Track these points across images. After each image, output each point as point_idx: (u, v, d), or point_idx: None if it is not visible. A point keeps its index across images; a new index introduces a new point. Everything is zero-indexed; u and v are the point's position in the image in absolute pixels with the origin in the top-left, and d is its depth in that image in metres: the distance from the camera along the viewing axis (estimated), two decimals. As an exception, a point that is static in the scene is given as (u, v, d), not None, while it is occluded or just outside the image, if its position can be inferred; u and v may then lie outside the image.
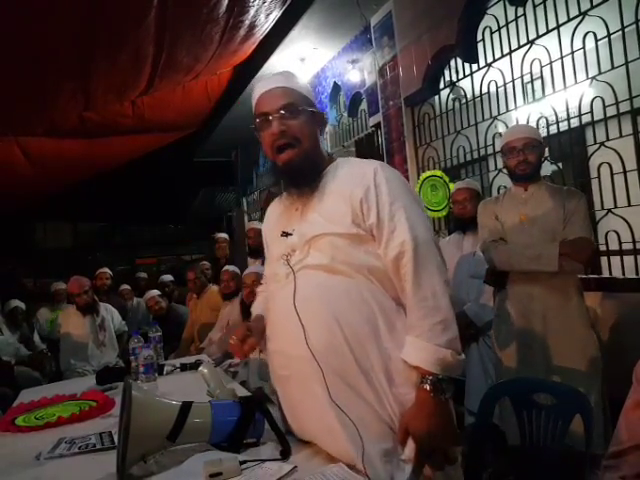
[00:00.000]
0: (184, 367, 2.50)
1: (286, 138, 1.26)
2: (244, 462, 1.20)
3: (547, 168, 3.28)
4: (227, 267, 3.94)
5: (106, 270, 5.50)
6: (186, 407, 1.27)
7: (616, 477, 0.84)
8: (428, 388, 1.13)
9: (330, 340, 1.18)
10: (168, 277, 5.91)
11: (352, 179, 1.27)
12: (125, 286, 6.11)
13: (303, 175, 1.29)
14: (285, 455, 1.24)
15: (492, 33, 3.30)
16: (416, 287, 1.17)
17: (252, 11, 3.56)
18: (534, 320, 2.31)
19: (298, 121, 1.27)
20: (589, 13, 2.71)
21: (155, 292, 4.96)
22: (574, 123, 2.94)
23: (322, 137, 1.37)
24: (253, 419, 1.32)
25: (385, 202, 1.22)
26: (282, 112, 1.26)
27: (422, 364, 1.14)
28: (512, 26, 3.17)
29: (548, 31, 2.94)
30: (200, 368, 1.84)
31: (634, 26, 2.53)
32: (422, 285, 1.17)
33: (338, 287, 1.22)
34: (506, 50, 3.23)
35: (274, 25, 4.10)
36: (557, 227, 2.27)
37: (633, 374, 0.95)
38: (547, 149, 3.27)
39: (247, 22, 3.70)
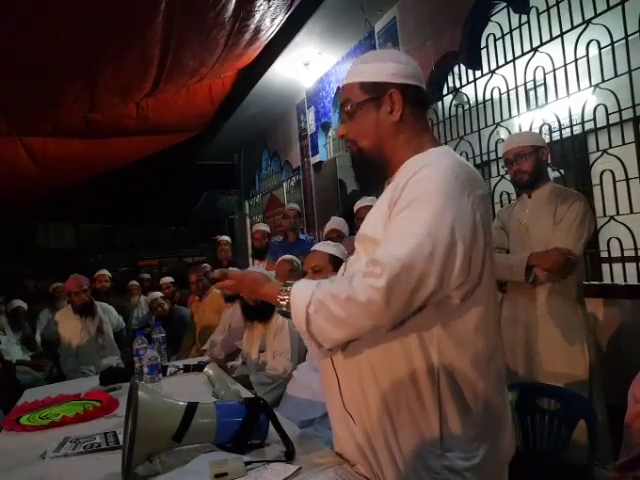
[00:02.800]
0: (187, 368, 2.51)
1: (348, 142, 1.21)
2: (249, 463, 1.21)
3: (549, 175, 3.29)
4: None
5: (105, 272, 5.50)
6: (192, 408, 1.28)
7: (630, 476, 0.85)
8: (282, 300, 1.08)
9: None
10: (169, 279, 5.92)
11: (403, 175, 1.08)
12: (133, 282, 6.21)
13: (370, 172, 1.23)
14: (289, 456, 1.25)
15: (496, 40, 3.32)
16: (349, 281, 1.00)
17: (257, 16, 3.59)
18: (519, 328, 2.34)
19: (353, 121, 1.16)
20: (593, 21, 2.73)
21: (158, 294, 4.97)
22: (577, 130, 2.96)
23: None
24: (258, 420, 1.34)
25: (400, 207, 1.02)
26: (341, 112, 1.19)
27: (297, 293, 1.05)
28: (516, 33, 3.19)
29: (552, 39, 2.96)
30: (205, 369, 1.85)
31: (638, 34, 2.54)
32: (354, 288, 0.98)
33: None
34: (510, 57, 3.24)
35: (279, 30, 4.13)
36: (546, 235, 2.28)
37: (629, 393, 0.96)
38: (549, 154, 3.30)
39: (252, 26, 3.73)
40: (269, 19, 3.73)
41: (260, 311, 2.83)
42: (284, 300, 1.08)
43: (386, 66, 1.13)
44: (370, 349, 1.06)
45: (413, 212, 0.98)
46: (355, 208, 3.44)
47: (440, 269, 0.95)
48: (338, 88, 4.92)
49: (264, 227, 4.85)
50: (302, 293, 1.05)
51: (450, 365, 1.02)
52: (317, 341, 1.03)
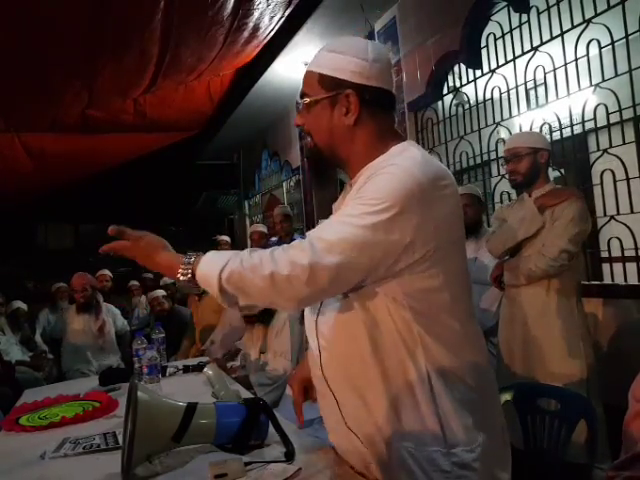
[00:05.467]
0: (187, 369, 2.51)
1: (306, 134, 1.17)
2: (249, 463, 1.21)
3: (550, 174, 3.29)
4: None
5: (106, 272, 5.51)
6: (191, 408, 1.28)
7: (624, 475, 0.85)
8: (184, 274, 1.04)
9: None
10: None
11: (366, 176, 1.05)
12: (134, 282, 6.17)
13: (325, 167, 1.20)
14: (289, 457, 1.25)
15: (496, 39, 3.32)
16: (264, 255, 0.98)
17: (256, 14, 3.59)
18: (517, 327, 2.36)
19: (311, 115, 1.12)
20: (593, 21, 2.72)
21: (160, 292, 4.96)
22: (577, 130, 2.95)
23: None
24: (257, 421, 1.33)
25: (354, 197, 1.01)
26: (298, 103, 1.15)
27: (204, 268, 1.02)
28: (516, 33, 3.18)
29: (552, 38, 2.95)
30: (205, 369, 1.85)
31: (638, 34, 2.54)
32: (276, 259, 0.96)
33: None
34: (510, 56, 3.24)
35: (278, 29, 4.12)
36: (544, 232, 2.29)
37: (629, 394, 0.96)
38: (549, 156, 3.29)
39: (251, 24, 3.73)
40: (268, 17, 3.73)
41: (261, 313, 2.82)
42: (186, 274, 1.04)
43: (349, 61, 1.05)
44: (362, 359, 1.04)
45: (361, 206, 0.96)
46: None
47: (366, 263, 0.95)
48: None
49: (261, 228, 4.85)
50: (214, 261, 1.01)
51: (437, 360, 1.01)
52: (229, 301, 1.01)
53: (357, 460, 1.13)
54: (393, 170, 0.98)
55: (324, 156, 1.13)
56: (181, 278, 1.04)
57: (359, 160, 1.09)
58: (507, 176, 2.50)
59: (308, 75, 1.12)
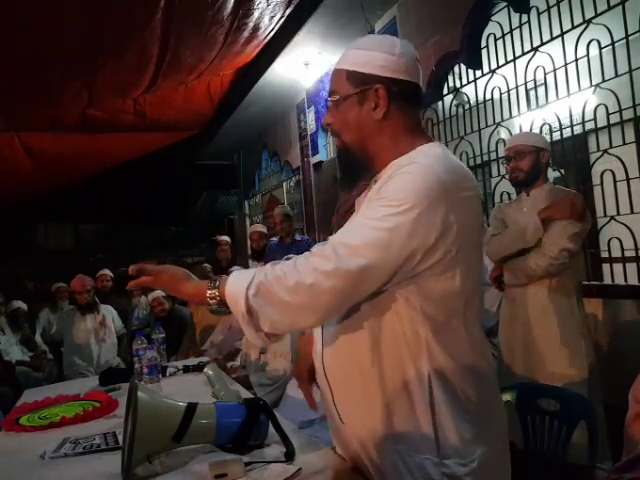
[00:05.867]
0: (187, 369, 2.51)
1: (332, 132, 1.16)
2: (249, 463, 1.21)
3: (550, 175, 3.29)
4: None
5: (107, 272, 5.51)
6: (191, 408, 1.28)
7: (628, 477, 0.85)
8: (212, 298, 1.03)
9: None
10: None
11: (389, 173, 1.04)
12: None
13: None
14: (289, 457, 1.25)
15: (496, 40, 3.32)
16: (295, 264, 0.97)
17: (256, 14, 3.59)
18: (518, 327, 2.36)
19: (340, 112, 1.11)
20: (593, 21, 2.72)
21: (160, 292, 4.95)
22: (577, 130, 2.95)
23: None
24: (258, 421, 1.33)
25: (376, 196, 1.00)
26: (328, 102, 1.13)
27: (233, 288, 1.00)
28: (516, 33, 3.18)
29: (552, 38, 2.95)
30: (205, 369, 1.85)
31: (638, 34, 2.54)
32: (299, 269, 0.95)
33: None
34: (510, 57, 3.24)
35: (279, 29, 4.12)
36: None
37: (630, 395, 0.95)
38: (550, 157, 3.29)
39: (251, 24, 3.73)
40: (268, 17, 3.73)
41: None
42: (214, 297, 1.03)
43: (377, 56, 1.06)
44: (361, 358, 1.04)
45: (382, 207, 0.95)
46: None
47: (390, 266, 0.94)
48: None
49: (261, 228, 4.84)
50: (240, 279, 1.00)
51: (441, 368, 1.00)
52: (255, 324, 0.98)
53: (351, 457, 1.13)
54: (414, 169, 0.97)
55: (354, 155, 1.12)
56: (211, 302, 1.04)
57: (386, 155, 1.08)
58: (507, 175, 2.50)
59: (336, 73, 1.11)
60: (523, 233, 2.28)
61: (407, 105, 1.09)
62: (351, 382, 1.06)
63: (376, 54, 1.06)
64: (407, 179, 0.96)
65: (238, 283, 0.99)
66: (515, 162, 2.37)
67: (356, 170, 1.16)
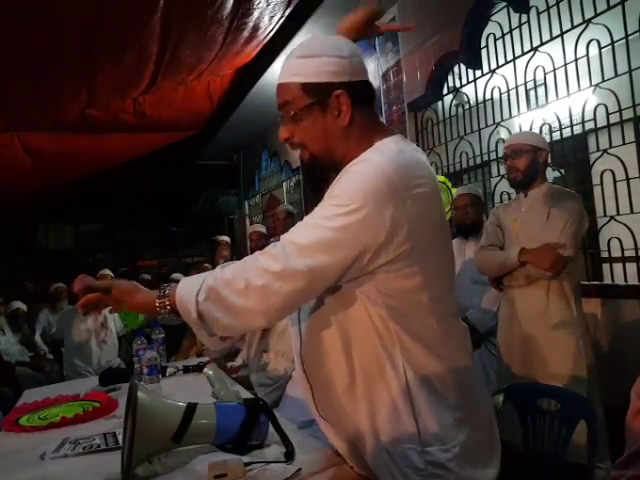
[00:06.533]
0: (187, 369, 2.51)
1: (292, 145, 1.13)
2: (249, 464, 1.21)
3: (549, 175, 3.29)
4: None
5: (107, 272, 5.50)
6: (191, 408, 1.28)
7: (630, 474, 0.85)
8: (161, 306, 1.03)
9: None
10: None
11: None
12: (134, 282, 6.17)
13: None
14: (289, 457, 1.25)
15: (496, 40, 3.32)
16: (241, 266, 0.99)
17: (256, 13, 3.59)
18: (516, 327, 2.37)
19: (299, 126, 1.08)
20: (593, 21, 2.72)
21: (160, 292, 4.96)
22: (577, 130, 2.95)
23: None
24: (258, 421, 1.33)
25: (325, 196, 1.01)
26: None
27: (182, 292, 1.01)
28: (516, 33, 3.18)
29: (552, 38, 2.95)
30: (205, 369, 1.85)
31: (638, 34, 2.54)
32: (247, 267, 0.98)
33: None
34: (510, 57, 3.24)
35: (278, 30, 4.12)
36: (540, 233, 2.30)
37: (632, 391, 0.96)
38: (549, 155, 3.29)
39: (251, 24, 3.73)
40: (268, 17, 3.73)
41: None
42: (164, 306, 1.03)
43: (328, 62, 1.03)
44: (337, 354, 1.05)
45: (331, 207, 0.95)
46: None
47: (339, 266, 0.95)
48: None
49: (260, 228, 4.84)
50: (190, 285, 1.00)
51: (413, 357, 1.01)
52: (208, 329, 0.99)
53: (343, 450, 1.14)
54: (364, 168, 0.97)
55: (322, 164, 1.11)
56: (161, 311, 1.03)
57: (353, 156, 1.07)
58: (506, 174, 2.50)
59: (286, 87, 1.07)
60: (504, 264, 2.34)
61: (366, 103, 1.09)
62: (329, 378, 1.07)
63: (326, 59, 1.04)
64: (356, 178, 0.96)
65: (188, 289, 1.00)
66: (512, 161, 2.37)
67: (323, 177, 1.16)
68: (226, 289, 0.95)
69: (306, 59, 1.06)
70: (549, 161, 2.52)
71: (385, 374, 1.02)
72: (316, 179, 1.17)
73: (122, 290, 1.11)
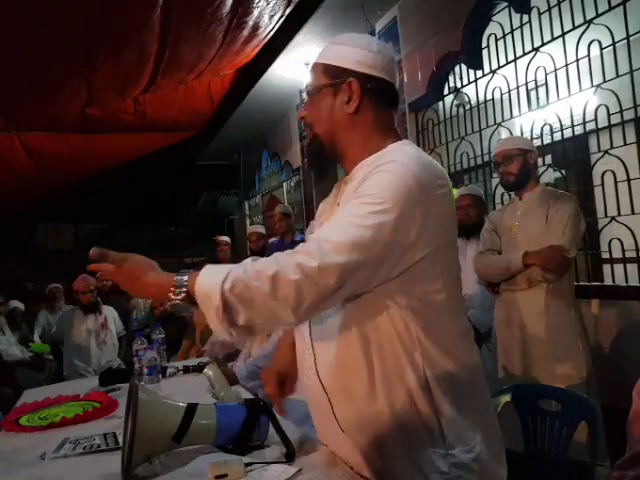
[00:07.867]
0: (187, 369, 2.50)
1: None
2: (249, 464, 1.20)
3: (550, 175, 3.29)
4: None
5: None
6: (191, 409, 1.27)
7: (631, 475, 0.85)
8: (177, 292, 0.97)
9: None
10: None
11: (363, 174, 1.04)
12: None
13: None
14: (290, 458, 1.24)
15: (497, 40, 3.31)
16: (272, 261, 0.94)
17: (256, 12, 3.58)
18: (514, 329, 2.38)
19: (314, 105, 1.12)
20: (594, 21, 2.72)
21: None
22: (578, 131, 2.95)
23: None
24: (258, 421, 1.33)
25: (355, 194, 0.99)
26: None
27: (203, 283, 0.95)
28: (517, 33, 3.18)
29: (553, 39, 2.95)
30: (205, 370, 1.84)
31: (639, 34, 2.54)
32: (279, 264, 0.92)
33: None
34: (511, 57, 3.24)
35: (279, 29, 4.12)
36: (539, 235, 2.31)
37: (634, 391, 0.95)
38: (550, 156, 3.29)
39: (251, 23, 3.72)
40: (268, 16, 3.72)
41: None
42: (180, 291, 0.96)
43: (354, 51, 1.07)
44: (360, 364, 1.03)
45: (365, 205, 0.95)
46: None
47: (373, 263, 0.94)
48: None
49: (259, 229, 4.84)
50: (214, 273, 0.95)
51: (434, 361, 1.01)
52: (230, 318, 0.92)
53: (351, 462, 1.12)
54: (393, 168, 0.97)
55: (324, 147, 1.13)
56: (172, 297, 0.97)
57: (356, 151, 1.09)
58: (500, 179, 2.56)
59: (314, 67, 1.13)
60: (509, 268, 2.35)
61: (381, 103, 1.10)
62: (349, 387, 1.05)
63: (354, 49, 1.08)
64: (387, 177, 0.96)
65: (212, 277, 0.95)
66: (504, 167, 2.42)
67: (324, 163, 1.18)
68: (256, 280, 0.91)
69: (337, 45, 1.11)
70: (550, 162, 2.52)
71: (406, 377, 1.01)
72: (317, 165, 1.20)
73: (138, 265, 1.03)
